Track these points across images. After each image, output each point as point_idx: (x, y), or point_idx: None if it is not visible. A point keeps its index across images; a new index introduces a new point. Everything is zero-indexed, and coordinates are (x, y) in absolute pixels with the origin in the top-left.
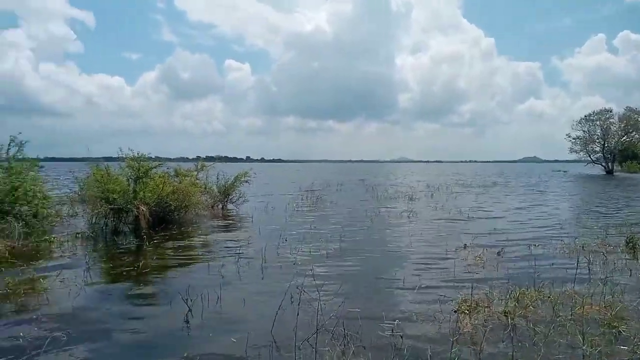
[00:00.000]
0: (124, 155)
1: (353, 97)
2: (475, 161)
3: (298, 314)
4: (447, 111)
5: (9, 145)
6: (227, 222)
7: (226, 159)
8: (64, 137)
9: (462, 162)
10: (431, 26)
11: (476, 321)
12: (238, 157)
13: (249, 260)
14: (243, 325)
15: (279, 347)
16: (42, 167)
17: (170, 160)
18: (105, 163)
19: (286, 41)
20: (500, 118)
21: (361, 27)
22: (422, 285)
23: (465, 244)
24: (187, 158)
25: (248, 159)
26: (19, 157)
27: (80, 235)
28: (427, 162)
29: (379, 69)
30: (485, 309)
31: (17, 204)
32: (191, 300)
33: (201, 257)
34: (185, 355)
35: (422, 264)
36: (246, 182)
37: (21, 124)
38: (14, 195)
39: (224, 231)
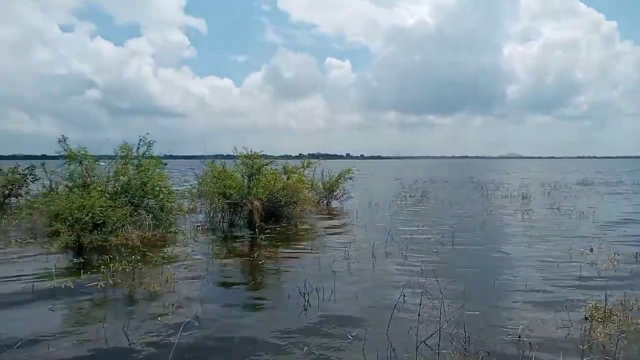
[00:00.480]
0: (237, 153)
1: (456, 90)
2: (594, 157)
3: (419, 314)
4: (561, 103)
5: (139, 144)
6: (332, 218)
7: (327, 156)
8: (181, 136)
9: (578, 157)
10: (542, 12)
11: (611, 331)
12: (338, 154)
13: (359, 257)
14: (358, 322)
15: (394, 347)
16: (166, 164)
17: (274, 157)
18: (222, 161)
19: (387, 36)
20: (624, 109)
21: (465, 18)
22: (546, 290)
23: (592, 248)
24: (290, 155)
25: (348, 156)
26: (147, 155)
27: (200, 227)
28: (539, 157)
29: (485, 60)
30: (621, 318)
31: (145, 198)
32: (308, 294)
33: (311, 251)
34: (304, 350)
35: (544, 266)
36: (350, 179)
37: (144, 124)
38: (143, 190)
39: (330, 227)
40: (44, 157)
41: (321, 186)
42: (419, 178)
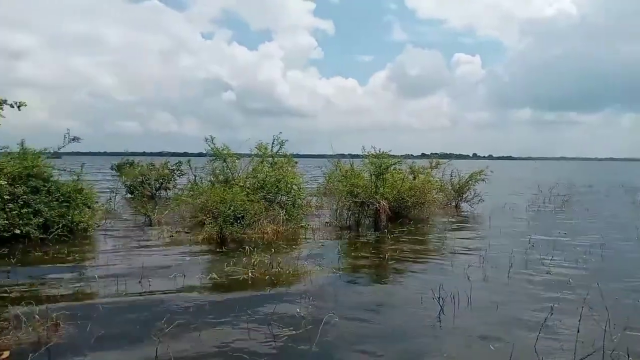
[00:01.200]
0: (365, 152)
1: (603, 84)
2: None
3: (579, 331)
4: None
5: (273, 143)
6: (462, 221)
7: (451, 156)
8: (307, 135)
9: None
10: None
11: None
12: (464, 153)
13: (495, 264)
14: (501, 334)
15: None
16: (296, 162)
17: (400, 157)
18: (351, 160)
19: (522, 29)
20: None
21: (614, 4)
22: None
23: None
24: (411, 155)
25: (475, 156)
26: (281, 153)
27: (329, 224)
28: None
29: (638, 50)
30: None
31: (279, 194)
32: (442, 299)
33: (442, 255)
34: (445, 356)
35: None
36: (482, 180)
37: (274, 124)
38: (277, 186)
39: (460, 230)
40: (185, 154)
41: (450, 187)
42: (558, 181)
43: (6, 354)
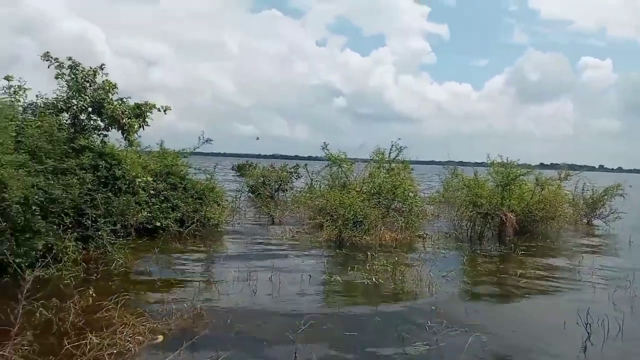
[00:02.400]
0: (489, 161)
1: None
2: None
3: None
4: None
5: (391, 149)
6: (597, 240)
7: (573, 167)
8: (415, 141)
9: None
10: None
11: None
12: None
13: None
14: None
15: None
16: (412, 169)
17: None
18: (475, 169)
19: None
20: None
21: None
22: None
23: None
24: (529, 165)
25: (601, 168)
26: (398, 160)
27: (447, 234)
28: None
29: None
30: None
31: (395, 200)
32: (589, 326)
33: (579, 276)
34: None
35: None
36: (620, 195)
37: (382, 130)
38: (394, 193)
39: (596, 250)
40: (296, 157)
41: (582, 202)
42: None
43: (160, 338)
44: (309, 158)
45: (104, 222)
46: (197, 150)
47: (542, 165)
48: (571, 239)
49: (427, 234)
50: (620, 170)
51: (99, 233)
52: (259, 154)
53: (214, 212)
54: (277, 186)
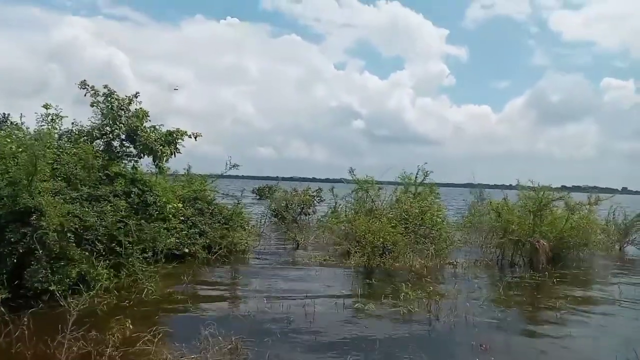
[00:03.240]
0: (519, 184)
1: None
2: None
3: None
4: None
5: (417, 173)
6: (630, 267)
7: (597, 189)
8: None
9: None
10: None
11: None
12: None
13: None
14: None
15: None
16: (439, 193)
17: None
18: (505, 193)
19: None
20: None
21: None
22: None
23: None
24: (551, 187)
25: (624, 190)
26: (425, 183)
27: (478, 262)
28: None
29: None
30: None
31: (423, 226)
32: None
33: (621, 306)
34: None
35: None
36: None
37: (400, 151)
38: (422, 218)
39: (632, 279)
40: (314, 179)
41: (614, 227)
42: None
43: None
44: (327, 180)
45: (136, 249)
46: (227, 172)
47: (565, 188)
48: (605, 267)
49: (457, 262)
50: None
51: (131, 260)
52: (277, 176)
53: (241, 238)
54: (299, 210)
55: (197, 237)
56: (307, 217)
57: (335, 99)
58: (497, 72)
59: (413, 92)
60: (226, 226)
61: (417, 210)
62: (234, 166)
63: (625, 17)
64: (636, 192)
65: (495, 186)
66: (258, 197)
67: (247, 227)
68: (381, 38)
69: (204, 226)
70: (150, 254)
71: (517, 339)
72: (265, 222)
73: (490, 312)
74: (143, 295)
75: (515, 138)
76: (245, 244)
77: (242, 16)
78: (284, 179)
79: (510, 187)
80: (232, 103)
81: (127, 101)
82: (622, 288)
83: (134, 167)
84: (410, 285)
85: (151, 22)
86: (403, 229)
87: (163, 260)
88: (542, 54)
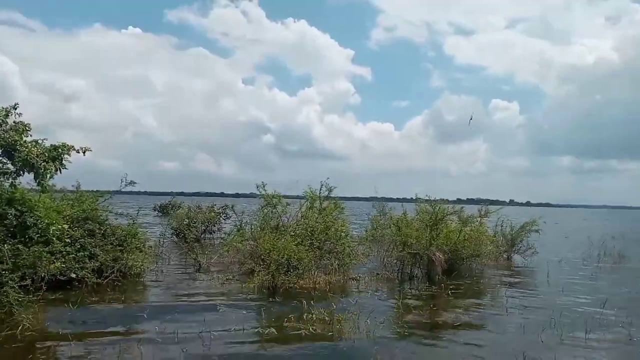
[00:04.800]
0: (416, 197)
1: None
2: None
3: None
4: None
5: (320, 188)
6: (519, 276)
7: (487, 202)
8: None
9: None
10: None
11: None
12: (500, 199)
13: (568, 326)
14: None
15: None
16: (343, 208)
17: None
18: (403, 206)
19: (561, 75)
20: None
21: None
22: None
23: None
24: (447, 200)
25: (512, 202)
26: (331, 197)
27: (379, 274)
28: None
29: None
30: None
31: (327, 242)
32: None
33: (508, 314)
34: None
35: None
36: (536, 231)
37: (309, 166)
38: (326, 233)
39: (520, 286)
40: (222, 194)
41: (501, 238)
42: (608, 232)
43: None
44: (237, 195)
45: (11, 277)
46: (122, 189)
47: (460, 201)
48: (495, 276)
49: (360, 276)
50: (528, 204)
51: (4, 289)
52: (183, 192)
53: (136, 260)
54: (203, 228)
55: (87, 260)
56: (211, 236)
57: (245, 113)
58: (398, 91)
59: (321, 109)
60: (120, 248)
61: (322, 226)
62: (130, 182)
63: (511, 46)
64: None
65: (398, 200)
66: (161, 214)
67: (143, 249)
68: (289, 55)
69: (94, 248)
70: (29, 281)
71: (416, 352)
72: (163, 242)
73: (390, 327)
74: (17, 332)
75: (415, 154)
76: (141, 267)
77: (145, 27)
78: (190, 194)
79: (411, 200)
80: (135, 115)
81: (3, 113)
82: (509, 295)
83: (12, 185)
84: (313, 303)
85: (45, 29)
86: (308, 245)
87: (45, 287)
88: (438, 76)
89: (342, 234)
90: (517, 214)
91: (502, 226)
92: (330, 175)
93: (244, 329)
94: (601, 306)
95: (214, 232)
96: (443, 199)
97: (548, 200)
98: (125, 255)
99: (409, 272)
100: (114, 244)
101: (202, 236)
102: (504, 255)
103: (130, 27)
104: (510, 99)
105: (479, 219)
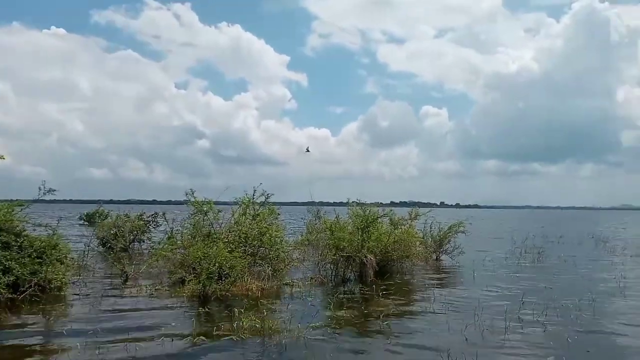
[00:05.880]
0: (349, 201)
1: (564, 137)
2: None
3: None
4: None
5: (253, 194)
6: (446, 275)
7: (419, 204)
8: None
9: None
10: None
11: None
12: (431, 202)
13: (491, 322)
14: None
15: None
16: (279, 214)
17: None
18: (335, 211)
19: (487, 83)
20: None
21: (574, 62)
22: None
23: None
24: (381, 203)
25: (442, 204)
26: (264, 204)
27: (313, 279)
28: None
29: (596, 105)
30: None
31: (261, 247)
32: None
33: (435, 312)
34: None
35: None
36: (462, 232)
37: (247, 172)
38: (260, 240)
39: (447, 285)
40: (154, 201)
41: (430, 239)
42: (529, 232)
43: None
44: (169, 202)
45: None
46: (41, 197)
47: (393, 204)
48: (424, 276)
49: (294, 281)
50: (458, 206)
51: None
52: (112, 200)
53: (57, 273)
54: (132, 237)
55: (0, 274)
56: (140, 245)
57: (178, 118)
58: (334, 97)
59: (258, 114)
60: (39, 260)
61: (255, 232)
62: (49, 191)
63: (440, 54)
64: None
65: (335, 204)
66: (87, 223)
67: (65, 260)
68: (224, 60)
69: (9, 262)
70: None
71: (345, 353)
72: (88, 252)
73: (321, 330)
74: None
75: (351, 159)
76: (62, 280)
77: (69, 28)
78: (120, 202)
79: (346, 204)
80: (60, 120)
81: None
82: (437, 294)
83: None
84: (244, 311)
85: None
86: (241, 252)
87: None
88: (373, 82)
89: (277, 239)
90: (447, 215)
91: (430, 228)
92: (268, 181)
93: (172, 339)
94: (520, 301)
95: (143, 242)
96: (377, 203)
97: (476, 202)
98: (44, 268)
99: (342, 275)
100: (32, 256)
101: (130, 246)
102: (433, 256)
103: (53, 27)
104: (440, 105)
105: (409, 221)
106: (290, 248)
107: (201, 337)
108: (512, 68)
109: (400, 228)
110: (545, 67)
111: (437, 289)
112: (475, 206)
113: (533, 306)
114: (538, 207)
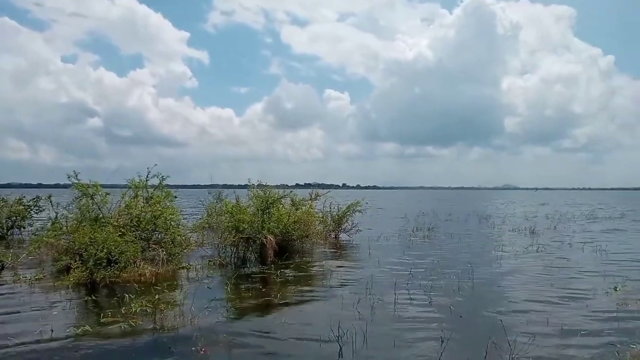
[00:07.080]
0: (250, 184)
1: (455, 123)
2: (589, 188)
3: None
4: (559, 135)
5: (147, 176)
6: (344, 252)
7: (323, 186)
8: (181, 165)
9: (574, 189)
10: (540, 47)
11: None
12: (335, 183)
13: (381, 296)
14: None
15: None
16: (176, 197)
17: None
18: (236, 193)
19: (386, 69)
20: (622, 142)
21: (465, 52)
22: (583, 332)
23: (616, 287)
24: (286, 185)
25: (344, 186)
26: (159, 187)
27: (212, 262)
28: (536, 189)
29: (484, 93)
30: None
31: (155, 232)
32: (340, 339)
33: (330, 288)
34: None
35: (573, 307)
36: (359, 211)
37: (144, 153)
38: (154, 223)
39: (344, 262)
40: (39, 185)
41: (330, 219)
42: (422, 210)
43: None
44: (57, 186)
45: None
46: None
47: (298, 186)
48: (322, 254)
49: (191, 265)
50: (358, 187)
51: None
52: None
53: None
54: (10, 223)
55: None
56: (20, 232)
57: (66, 94)
58: (238, 77)
59: (155, 92)
60: None
61: (149, 216)
62: None
63: (342, 38)
64: (353, 187)
65: (240, 186)
66: None
67: None
68: (117, 33)
69: None
70: None
71: (240, 334)
72: None
73: (216, 313)
74: None
75: (256, 140)
76: None
77: None
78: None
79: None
80: None
81: None
82: (334, 271)
83: None
84: (134, 297)
85: None
86: (133, 237)
87: None
88: (277, 63)
89: (173, 223)
90: (348, 196)
91: (330, 208)
92: (167, 162)
93: (52, 331)
94: (409, 274)
95: (24, 228)
96: (283, 185)
97: (375, 183)
98: None
99: (242, 256)
100: None
101: (8, 232)
102: (332, 235)
103: None
104: (342, 89)
105: (309, 202)
106: (188, 232)
107: (86, 326)
108: (409, 55)
109: (301, 209)
110: (440, 55)
111: (334, 266)
112: (375, 187)
113: (420, 278)
114: (431, 188)
